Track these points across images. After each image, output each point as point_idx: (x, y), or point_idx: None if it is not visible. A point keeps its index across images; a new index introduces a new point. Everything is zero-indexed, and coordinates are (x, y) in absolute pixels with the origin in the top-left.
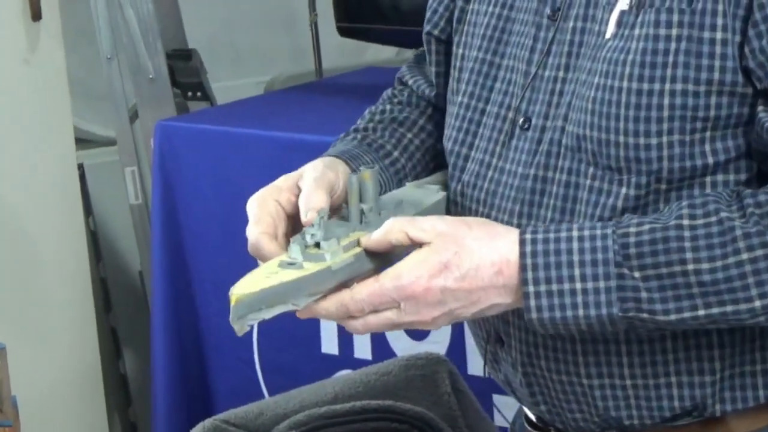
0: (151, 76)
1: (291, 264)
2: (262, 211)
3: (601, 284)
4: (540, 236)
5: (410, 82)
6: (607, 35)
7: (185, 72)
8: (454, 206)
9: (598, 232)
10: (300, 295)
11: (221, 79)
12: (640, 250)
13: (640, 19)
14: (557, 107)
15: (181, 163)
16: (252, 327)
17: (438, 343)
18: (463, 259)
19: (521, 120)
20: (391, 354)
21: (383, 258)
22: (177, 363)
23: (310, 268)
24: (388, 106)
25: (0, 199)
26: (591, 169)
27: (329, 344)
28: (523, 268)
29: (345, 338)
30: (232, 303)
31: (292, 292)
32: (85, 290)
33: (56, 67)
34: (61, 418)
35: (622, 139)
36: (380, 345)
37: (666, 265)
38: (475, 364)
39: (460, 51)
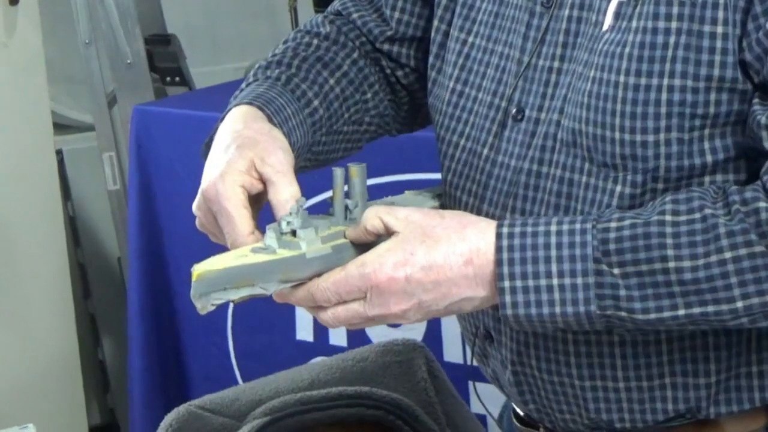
0: (129, 61)
1: (264, 249)
2: (236, 207)
3: (579, 281)
4: (517, 230)
5: (355, 16)
6: (605, 27)
7: (164, 57)
8: (447, 198)
9: (578, 226)
10: (270, 279)
11: (200, 65)
12: (620, 246)
13: (638, 10)
14: (552, 99)
15: (159, 148)
16: (216, 307)
17: (414, 330)
18: (429, 248)
19: (514, 110)
20: (366, 341)
21: (368, 250)
22: (153, 348)
23: (283, 254)
24: (314, 41)
25: None
26: (586, 165)
27: (304, 331)
28: (498, 262)
29: (320, 325)
30: (193, 279)
31: (260, 275)
32: (63, 276)
33: (34, 51)
34: (39, 405)
35: (618, 135)
36: (356, 332)
37: (646, 262)
38: (452, 351)
39: (452, 31)
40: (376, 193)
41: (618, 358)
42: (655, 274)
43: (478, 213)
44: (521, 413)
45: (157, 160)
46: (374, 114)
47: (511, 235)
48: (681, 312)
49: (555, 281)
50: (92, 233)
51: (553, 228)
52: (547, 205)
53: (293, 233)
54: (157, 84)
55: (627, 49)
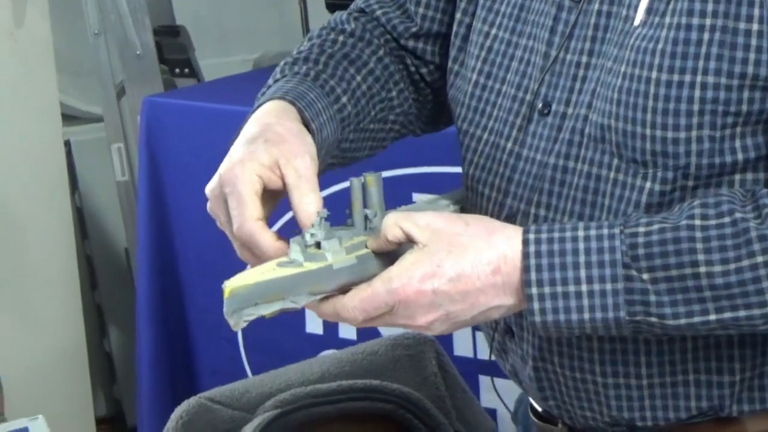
0: (138, 53)
1: (290, 263)
2: (249, 191)
3: (608, 286)
4: (544, 236)
5: (379, 13)
6: (636, 22)
7: (173, 48)
8: (466, 190)
9: (605, 231)
10: (300, 292)
11: (208, 57)
12: (649, 251)
13: (671, 6)
14: (579, 94)
15: (168, 139)
16: (248, 324)
17: None
18: (456, 259)
19: (540, 105)
20: (376, 334)
21: (390, 261)
22: (161, 341)
23: (310, 266)
24: (340, 38)
25: None
26: (615, 161)
27: (314, 324)
28: (526, 269)
29: None
30: (226, 296)
31: (290, 288)
32: (70, 267)
33: (42, 42)
34: (46, 396)
35: (648, 131)
36: None
37: (676, 267)
38: (462, 345)
39: (475, 23)
40: (387, 186)
41: (642, 355)
42: (685, 279)
43: (501, 207)
44: (539, 409)
45: (167, 152)
46: (399, 112)
47: (538, 241)
48: (712, 317)
49: (584, 287)
50: (99, 224)
51: (581, 233)
52: (573, 200)
53: (317, 245)
54: (166, 75)
55: (660, 45)
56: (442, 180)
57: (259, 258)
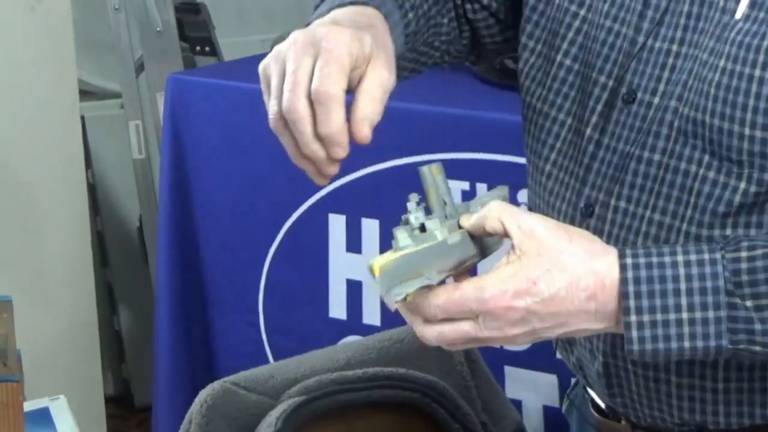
0: (158, 29)
1: (404, 247)
2: (346, 59)
3: (711, 314)
4: (642, 260)
5: None
6: (737, 15)
7: (194, 26)
8: (540, 175)
9: (706, 257)
10: (432, 268)
11: (226, 36)
12: (754, 277)
13: None
14: (668, 84)
15: (192, 117)
16: (398, 303)
17: None
18: (554, 278)
19: (624, 91)
20: (400, 321)
21: (482, 245)
22: (180, 323)
23: (430, 243)
24: None
25: (1, 148)
26: (706, 158)
27: (337, 308)
28: (624, 295)
29: (353, 302)
30: (377, 274)
31: (426, 263)
32: (84, 244)
33: (62, 16)
34: (57, 374)
35: (748, 131)
36: (389, 311)
37: None
38: None
39: (562, 2)
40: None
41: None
42: None
43: (579, 195)
44: (602, 404)
45: (190, 130)
46: (444, 39)
47: (636, 266)
48: None
49: (685, 315)
50: (112, 202)
51: (680, 258)
52: (657, 195)
53: (422, 228)
54: (186, 53)
55: (765, 42)
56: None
57: (307, 141)
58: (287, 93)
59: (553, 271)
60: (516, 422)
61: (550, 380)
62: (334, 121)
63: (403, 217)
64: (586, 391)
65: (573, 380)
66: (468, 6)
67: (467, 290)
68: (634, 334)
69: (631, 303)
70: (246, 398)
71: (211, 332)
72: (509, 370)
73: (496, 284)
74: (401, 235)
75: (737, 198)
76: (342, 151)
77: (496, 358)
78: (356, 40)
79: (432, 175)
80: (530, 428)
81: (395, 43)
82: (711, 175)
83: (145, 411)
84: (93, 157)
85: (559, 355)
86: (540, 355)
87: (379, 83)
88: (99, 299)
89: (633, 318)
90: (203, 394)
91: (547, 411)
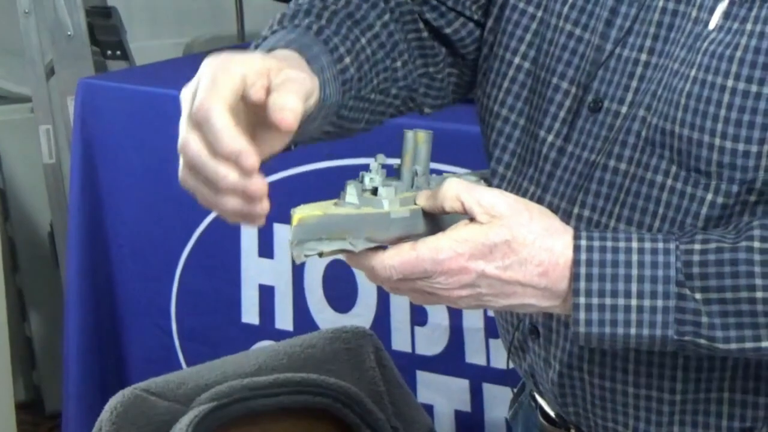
0: (69, 33)
1: (347, 204)
2: (224, 78)
3: (659, 303)
4: (596, 243)
5: None
6: (711, 25)
7: (105, 30)
8: (501, 180)
9: (660, 246)
10: (359, 235)
11: (137, 39)
12: (705, 270)
13: (754, 13)
14: (636, 93)
15: (102, 122)
16: (308, 258)
17: (362, 317)
18: (510, 250)
19: (590, 100)
20: (313, 326)
21: (435, 221)
22: (90, 328)
23: (370, 210)
24: None
25: None
26: (674, 168)
27: (250, 313)
28: (575, 277)
29: (266, 308)
30: (294, 223)
31: (353, 228)
32: None
33: None
34: None
35: (718, 141)
36: (302, 316)
37: (732, 290)
38: (399, 339)
39: (517, 2)
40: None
41: (679, 369)
42: (739, 302)
43: (540, 203)
44: (551, 413)
45: (101, 135)
46: (402, 86)
47: (590, 249)
48: (765, 344)
49: (634, 302)
50: (22, 207)
51: (634, 245)
52: (621, 204)
53: (374, 191)
54: (97, 57)
55: (738, 53)
56: None
57: (204, 161)
58: (180, 140)
59: (512, 243)
60: (427, 426)
61: (462, 385)
62: (222, 129)
63: (361, 173)
64: (534, 399)
65: (516, 388)
66: (429, 15)
67: (422, 251)
68: (582, 316)
69: (582, 285)
70: (156, 405)
71: (123, 338)
72: (421, 375)
73: (452, 245)
74: (351, 190)
75: (704, 210)
76: (250, 156)
77: (408, 363)
78: (248, 60)
79: (414, 141)
80: None
81: (326, 85)
82: (678, 185)
83: (56, 418)
84: (3, 162)
85: (512, 365)
86: (452, 360)
87: (293, 79)
88: (9, 305)
89: (582, 300)
90: (113, 401)
91: (459, 415)
